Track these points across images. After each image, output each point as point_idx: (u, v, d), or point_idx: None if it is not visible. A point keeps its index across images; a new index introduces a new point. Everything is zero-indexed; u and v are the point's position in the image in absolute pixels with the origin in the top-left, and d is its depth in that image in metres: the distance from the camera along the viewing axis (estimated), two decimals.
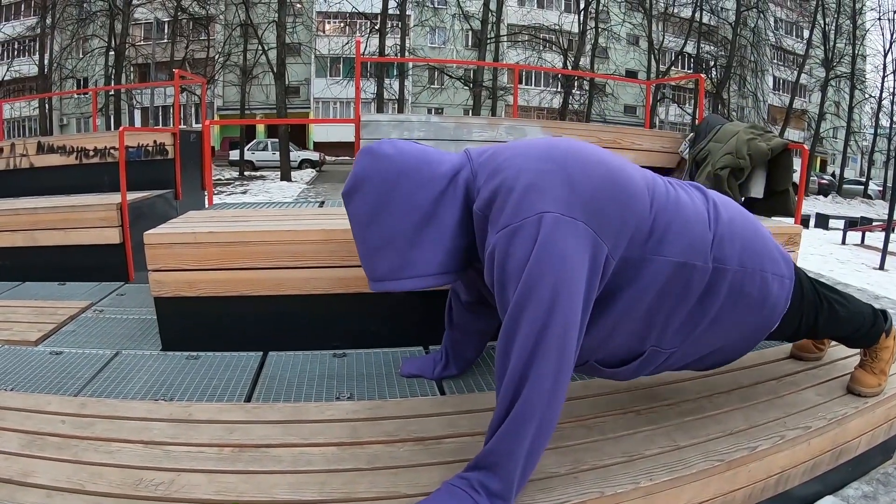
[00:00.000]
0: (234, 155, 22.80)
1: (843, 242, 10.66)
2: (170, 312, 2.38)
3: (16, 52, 23.47)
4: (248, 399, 1.95)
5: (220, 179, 18.73)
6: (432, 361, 2.12)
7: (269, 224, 2.49)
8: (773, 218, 3.50)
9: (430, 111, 25.44)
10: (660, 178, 1.55)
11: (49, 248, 3.67)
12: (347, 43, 22.59)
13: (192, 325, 2.38)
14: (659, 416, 1.75)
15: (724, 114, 21.62)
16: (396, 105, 22.67)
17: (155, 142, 4.46)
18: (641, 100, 26.27)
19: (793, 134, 30.06)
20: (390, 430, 1.66)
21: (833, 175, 30.66)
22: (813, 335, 1.89)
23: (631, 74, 26.57)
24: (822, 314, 1.74)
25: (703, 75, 5.05)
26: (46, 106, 21.84)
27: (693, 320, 1.50)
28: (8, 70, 21.75)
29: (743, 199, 3.65)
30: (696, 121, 4.89)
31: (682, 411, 1.78)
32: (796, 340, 2.04)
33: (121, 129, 3.60)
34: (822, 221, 13.57)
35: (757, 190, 3.63)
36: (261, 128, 27.70)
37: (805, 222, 13.38)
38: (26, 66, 22.20)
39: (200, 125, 5.04)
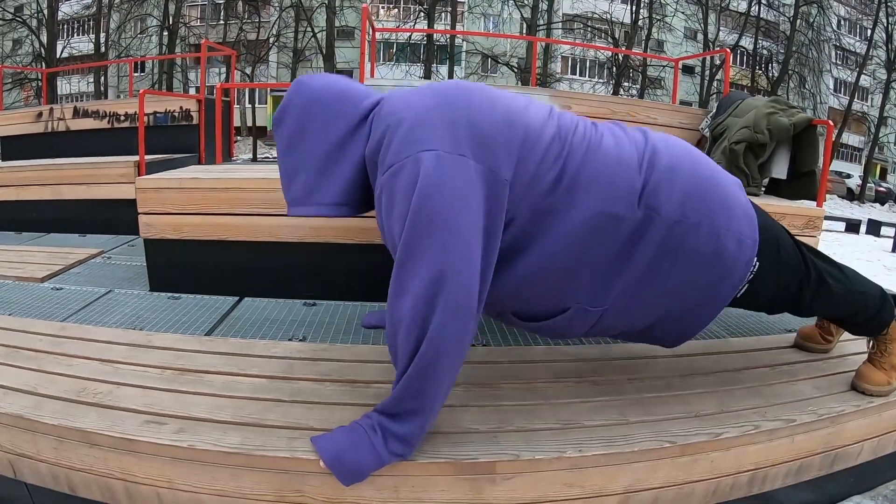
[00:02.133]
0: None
1: (894, 250, 10.20)
2: (157, 254, 2.56)
3: (73, 31, 24.46)
4: (208, 334, 2.09)
5: (267, 157, 19.22)
6: None
7: (249, 174, 2.63)
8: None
9: None
10: (585, 121, 1.47)
11: (73, 202, 3.94)
12: (397, 27, 22.69)
13: (177, 267, 2.55)
14: (615, 389, 1.64)
15: None
16: None
17: (181, 108, 4.68)
18: (696, 94, 25.60)
19: (852, 138, 28.64)
20: (325, 370, 1.71)
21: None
22: (799, 310, 1.68)
23: (687, 69, 25.83)
24: (808, 285, 1.56)
25: (728, 50, 4.82)
26: (102, 81, 22.79)
27: (622, 275, 1.39)
28: (65, 48, 22.70)
29: (766, 180, 3.44)
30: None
31: (644, 387, 1.66)
32: (778, 313, 1.77)
33: (141, 91, 3.80)
34: (874, 228, 12.98)
35: (779, 170, 3.34)
36: None
37: (856, 228, 12.85)
38: (84, 45, 23.17)
39: (230, 98, 5.20)
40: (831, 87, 28.13)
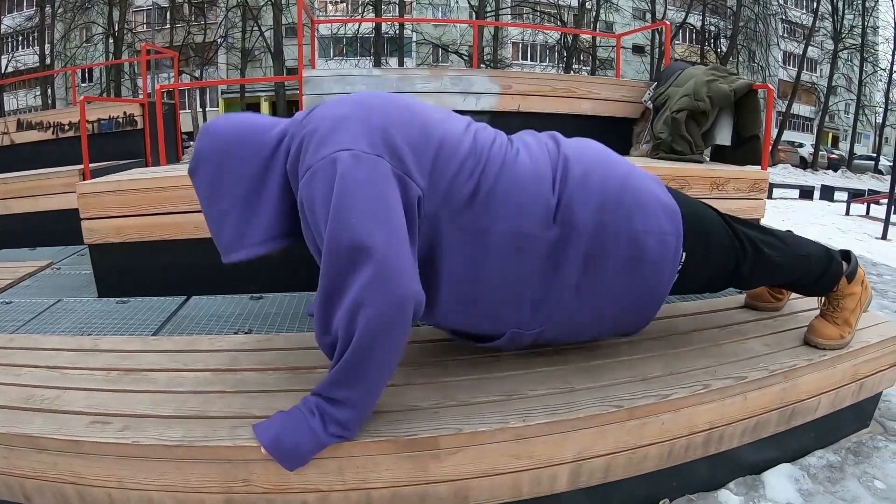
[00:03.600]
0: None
1: (847, 213, 10.50)
2: (102, 260, 2.58)
3: (17, 45, 23.73)
4: (155, 334, 2.14)
5: None
6: None
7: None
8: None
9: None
10: (501, 135, 1.47)
11: (20, 216, 3.93)
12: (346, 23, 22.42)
13: (122, 271, 2.57)
14: (560, 359, 1.63)
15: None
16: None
17: (125, 113, 4.65)
18: (647, 74, 25.81)
19: (803, 108, 29.25)
20: (268, 359, 1.73)
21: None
22: (740, 283, 1.71)
23: (637, 49, 26.00)
24: (745, 261, 1.56)
25: (667, 22, 4.96)
26: (49, 94, 22.20)
27: (549, 295, 1.39)
28: (9, 62, 22.04)
29: (710, 147, 3.54)
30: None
31: (590, 355, 1.64)
32: (718, 290, 1.76)
33: (81, 98, 3.79)
34: (828, 193, 13.36)
35: (723, 137, 3.42)
36: (265, 109, 27.73)
37: (810, 194, 13.21)
38: (29, 57, 22.53)
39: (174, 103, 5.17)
40: (780, 59, 28.65)
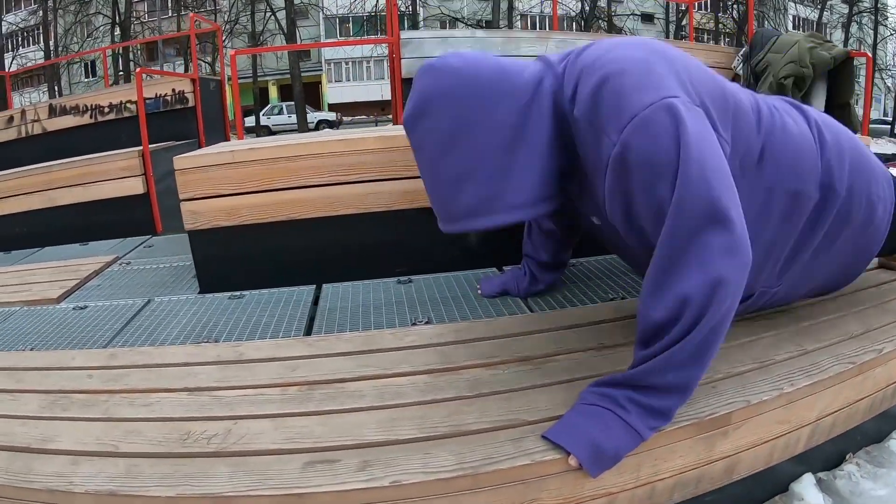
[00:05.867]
0: (250, 122, 22.67)
1: None
2: (206, 248, 2.09)
3: (21, 42, 23.41)
4: (308, 333, 1.64)
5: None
6: (514, 278, 1.83)
7: (313, 138, 2.16)
8: None
9: None
10: (761, 98, 1.36)
11: (68, 207, 3.41)
12: (355, 1, 21.91)
13: (233, 260, 2.08)
14: (774, 322, 1.52)
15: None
16: None
17: (174, 90, 4.14)
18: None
19: None
20: (487, 351, 1.38)
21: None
22: None
23: (647, 17, 25.47)
24: None
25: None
26: (56, 90, 21.74)
27: (800, 254, 1.37)
28: (14, 59, 21.66)
29: None
30: (748, 34, 4.55)
31: (797, 317, 1.55)
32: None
33: (138, 70, 3.27)
34: None
35: (818, 103, 3.48)
36: (273, 93, 27.44)
37: None
38: (34, 53, 22.12)
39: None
40: (790, 25, 28.14)
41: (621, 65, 1.13)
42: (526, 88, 1.18)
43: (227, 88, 4.81)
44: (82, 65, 23.30)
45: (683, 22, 23.22)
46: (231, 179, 1.97)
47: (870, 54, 3.86)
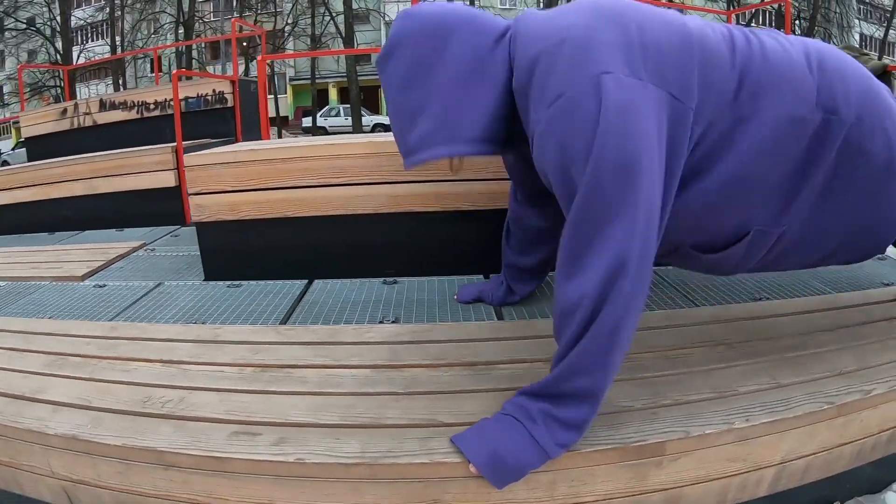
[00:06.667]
0: (307, 122, 23.19)
1: None
2: (211, 239, 2.26)
3: (89, 37, 24.55)
4: (284, 322, 1.77)
5: None
6: (491, 287, 1.88)
7: (310, 142, 2.31)
8: None
9: None
10: (736, 28, 1.28)
11: (107, 196, 3.66)
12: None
13: (235, 252, 2.24)
14: (755, 351, 1.43)
15: None
16: None
17: (214, 90, 4.38)
18: None
19: None
20: (436, 353, 1.44)
21: None
22: None
23: None
24: None
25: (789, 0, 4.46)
26: (121, 83, 22.75)
27: (803, 186, 1.23)
28: (81, 53, 22.74)
29: None
30: None
31: (781, 347, 1.45)
32: None
33: (174, 72, 3.50)
34: None
35: None
36: (333, 95, 27.97)
37: None
38: (101, 48, 23.19)
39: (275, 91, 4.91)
40: (858, 42, 27.13)
41: (561, 35, 1.10)
42: (490, 35, 1.20)
43: (267, 90, 5.04)
44: (147, 60, 24.36)
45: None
46: (233, 177, 2.12)
47: None
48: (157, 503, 1.13)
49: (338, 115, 24.84)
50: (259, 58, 4.05)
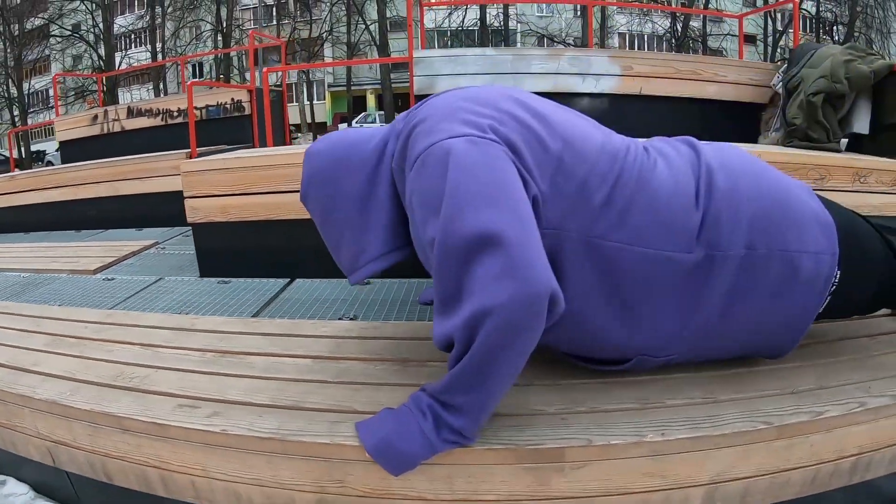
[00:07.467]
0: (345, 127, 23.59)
1: None
2: (205, 239, 2.50)
3: (130, 43, 25.46)
4: (255, 315, 1.98)
5: None
6: None
7: (293, 150, 2.54)
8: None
9: None
10: (638, 144, 1.29)
11: (129, 197, 3.98)
12: (451, 13, 22.48)
13: (225, 251, 2.47)
14: (700, 365, 1.39)
15: None
16: None
17: (232, 99, 4.67)
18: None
19: None
20: (375, 349, 1.56)
21: None
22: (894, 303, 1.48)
23: (748, 39, 24.68)
24: None
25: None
26: (161, 88, 23.62)
27: (688, 322, 1.20)
28: (123, 59, 23.63)
29: (846, 137, 3.18)
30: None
31: (734, 361, 1.40)
32: (867, 313, 1.57)
33: (189, 83, 3.79)
34: None
35: (861, 125, 3.04)
36: (371, 101, 28.45)
37: None
38: (142, 55, 24.12)
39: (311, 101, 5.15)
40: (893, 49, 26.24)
41: (425, 114, 1.20)
42: (372, 156, 1.31)
43: (293, 97, 5.29)
44: (188, 66, 25.20)
45: (781, 43, 22.37)
46: (223, 182, 2.35)
47: None
48: (118, 464, 1.34)
49: (374, 121, 25.23)
50: (265, 70, 4.29)
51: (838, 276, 1.24)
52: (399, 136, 1.26)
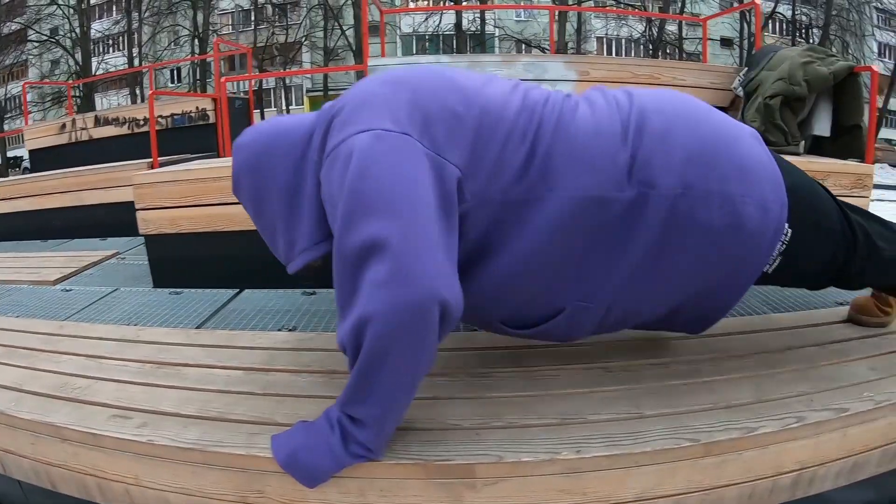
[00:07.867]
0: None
1: None
2: (156, 250, 2.60)
3: (107, 48, 25.26)
4: (199, 327, 2.09)
5: None
6: None
7: None
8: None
9: None
10: (557, 93, 1.29)
11: (93, 207, 4.05)
12: (426, 18, 22.57)
13: (177, 262, 2.57)
14: (632, 377, 1.39)
15: None
16: None
17: (197, 108, 4.76)
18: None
19: None
20: (305, 361, 1.62)
21: None
22: (848, 282, 1.44)
23: (726, 42, 25.01)
24: (856, 253, 1.32)
25: (757, 1, 4.48)
26: (138, 93, 23.43)
27: (621, 263, 1.19)
28: (100, 65, 23.47)
29: (806, 140, 3.16)
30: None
31: (667, 373, 1.38)
32: (822, 287, 1.53)
33: (150, 92, 3.87)
34: None
35: (822, 127, 3.02)
36: None
37: None
38: (119, 60, 23.97)
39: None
40: (875, 51, 26.66)
41: (345, 100, 1.20)
42: (297, 146, 1.27)
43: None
44: (165, 71, 25.02)
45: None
46: (172, 195, 2.45)
47: (875, 68, 3.28)
48: (60, 472, 1.42)
49: None
50: (223, 79, 4.37)
51: (789, 234, 1.23)
52: (322, 129, 1.25)
